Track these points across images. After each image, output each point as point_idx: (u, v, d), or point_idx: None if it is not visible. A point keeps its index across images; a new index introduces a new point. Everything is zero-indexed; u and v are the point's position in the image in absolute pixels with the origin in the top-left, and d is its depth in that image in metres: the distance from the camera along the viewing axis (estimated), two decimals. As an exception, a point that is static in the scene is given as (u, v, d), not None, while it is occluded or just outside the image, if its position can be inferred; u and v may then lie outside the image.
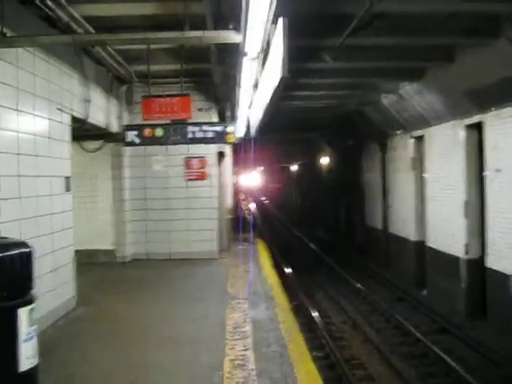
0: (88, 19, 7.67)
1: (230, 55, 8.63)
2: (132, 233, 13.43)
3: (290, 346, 6.70)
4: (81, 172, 11.70)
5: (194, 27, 6.80)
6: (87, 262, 11.22)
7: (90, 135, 11.92)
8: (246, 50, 5.95)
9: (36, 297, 4.74)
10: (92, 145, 12.82)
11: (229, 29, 5.97)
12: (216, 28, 6.87)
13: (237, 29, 5.75)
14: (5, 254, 4.48)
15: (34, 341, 4.63)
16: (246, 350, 6.54)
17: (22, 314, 4.47)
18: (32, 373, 4.57)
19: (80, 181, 10.97)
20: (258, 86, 7.73)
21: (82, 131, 10.22)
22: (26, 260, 4.67)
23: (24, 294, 4.56)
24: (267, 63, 5.83)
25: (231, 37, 5.91)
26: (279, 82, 5.01)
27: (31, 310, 4.58)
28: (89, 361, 6.31)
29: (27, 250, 4.72)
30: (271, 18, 5.01)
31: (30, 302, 4.59)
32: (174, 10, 7.40)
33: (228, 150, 16.64)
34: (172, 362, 6.22)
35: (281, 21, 4.54)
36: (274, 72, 5.35)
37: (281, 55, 4.67)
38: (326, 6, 7.05)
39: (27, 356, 4.49)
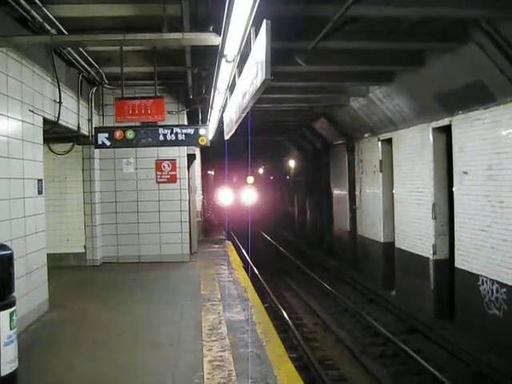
0: (61, 20, 7.60)
1: (205, 57, 8.66)
2: (102, 236, 13.30)
3: (267, 346, 6.73)
4: (50, 175, 11.55)
5: (170, 29, 6.82)
6: (57, 266, 11.07)
7: (59, 137, 11.81)
8: (225, 52, 5.96)
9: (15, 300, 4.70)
10: (62, 147, 12.71)
11: (208, 31, 5.99)
12: (192, 30, 6.87)
13: (216, 31, 5.77)
14: (-15, 256, 4.43)
15: (15, 344, 4.58)
16: (223, 351, 6.56)
17: (3, 317, 4.43)
18: (13, 377, 4.52)
19: (49, 183, 10.82)
20: (233, 88, 7.75)
21: (53, 133, 10.10)
22: (6, 263, 4.62)
23: (5, 297, 4.51)
24: (246, 65, 5.86)
25: (211, 39, 5.94)
26: (261, 84, 5.02)
27: (12, 313, 4.54)
28: (67, 365, 6.25)
29: (8, 252, 4.68)
30: (252, 20, 5.03)
31: (11, 304, 4.55)
32: (149, 11, 7.39)
33: (198, 152, 16.63)
34: (151, 364, 6.20)
35: (264, 23, 4.56)
36: (253, 74, 5.37)
37: (264, 57, 4.69)
38: (308, 8, 7.12)
39: (8, 360, 4.45)
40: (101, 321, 8.16)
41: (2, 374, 4.37)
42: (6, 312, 4.45)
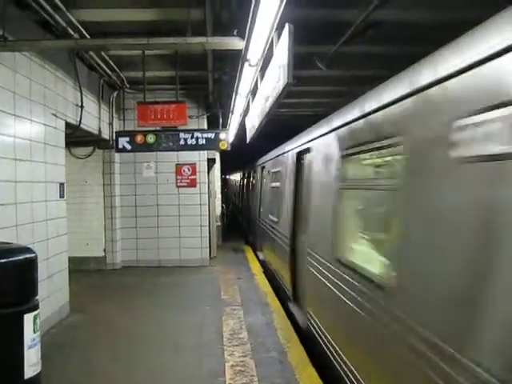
0: (84, 24, 7.66)
1: (226, 62, 8.67)
2: (122, 240, 13.35)
3: (289, 352, 6.69)
4: (71, 178, 11.59)
5: (193, 33, 6.85)
6: (77, 269, 11.10)
7: (80, 141, 11.87)
8: (248, 56, 5.97)
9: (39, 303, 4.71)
10: (82, 151, 12.78)
11: (232, 35, 6.00)
12: (215, 34, 6.88)
13: (240, 35, 5.78)
14: (10, 259, 4.46)
15: (38, 347, 4.59)
16: (245, 356, 6.53)
17: (27, 320, 4.45)
18: (36, 380, 4.53)
19: (70, 187, 10.86)
20: (255, 92, 7.76)
21: (74, 137, 10.16)
22: (30, 265, 4.65)
23: (29, 300, 4.53)
24: (268, 69, 5.86)
25: (234, 43, 5.93)
26: (283, 89, 5.02)
27: (36, 316, 4.55)
28: (89, 369, 6.26)
29: (32, 255, 4.71)
30: (276, 24, 5.03)
31: (35, 307, 4.56)
32: (172, 16, 7.43)
33: (217, 157, 16.64)
34: (174, 369, 6.19)
35: (287, 26, 4.56)
36: (276, 78, 5.37)
37: (285, 61, 4.69)
38: (330, 12, 7.12)
39: (31, 363, 4.46)
40: (121, 324, 8.16)
41: (26, 377, 4.39)
42: (30, 315, 4.46)
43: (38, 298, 4.68)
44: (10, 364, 4.33)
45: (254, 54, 5.95)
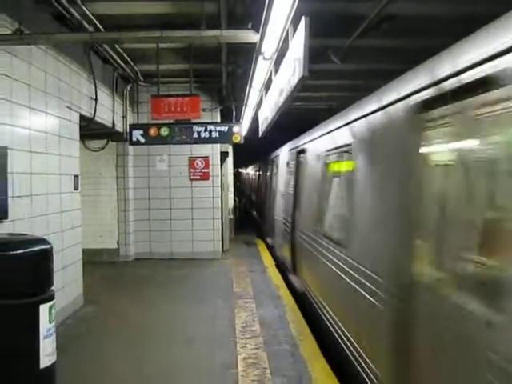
0: (98, 17, 7.69)
1: (240, 55, 8.66)
2: (135, 232, 13.41)
3: (301, 344, 6.71)
4: (84, 171, 11.65)
5: (207, 27, 6.85)
6: (90, 261, 11.17)
7: (94, 134, 11.92)
8: (262, 49, 5.97)
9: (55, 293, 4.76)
10: (96, 144, 12.83)
11: (247, 28, 6.00)
12: (229, 28, 6.89)
13: (254, 28, 5.78)
14: (26, 250, 4.50)
15: (54, 338, 4.64)
16: (257, 348, 6.56)
17: (43, 310, 4.49)
18: (51, 370, 4.58)
19: (84, 180, 10.91)
20: (269, 86, 7.75)
21: (88, 130, 10.21)
22: (46, 256, 4.70)
23: (44, 291, 4.57)
24: (283, 63, 5.85)
25: (249, 36, 5.93)
26: (298, 82, 5.02)
27: (51, 307, 4.59)
28: (103, 359, 6.32)
29: (47, 246, 4.75)
30: (291, 17, 5.03)
31: (50, 298, 4.61)
32: (187, 9, 7.43)
33: (230, 150, 16.65)
34: (186, 360, 6.24)
35: (303, 20, 4.55)
36: (291, 71, 5.37)
37: (301, 54, 4.69)
38: (345, 5, 7.10)
39: (47, 353, 4.51)
40: (135, 316, 8.21)
41: (42, 367, 4.43)
42: (46, 305, 4.50)
43: (53, 288, 4.72)
44: (26, 353, 4.37)
45: (269, 47, 5.95)
